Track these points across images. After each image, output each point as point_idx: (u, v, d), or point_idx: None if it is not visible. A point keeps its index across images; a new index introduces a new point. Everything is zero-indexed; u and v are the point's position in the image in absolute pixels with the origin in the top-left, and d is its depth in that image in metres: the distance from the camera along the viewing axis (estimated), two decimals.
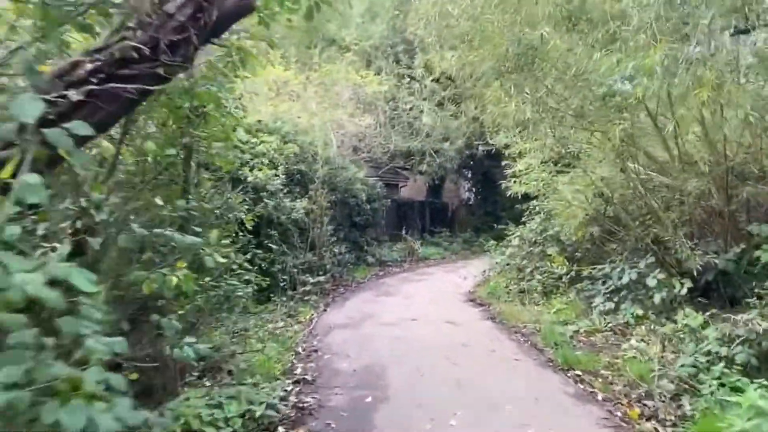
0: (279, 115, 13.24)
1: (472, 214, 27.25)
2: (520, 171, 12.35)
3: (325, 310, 10.22)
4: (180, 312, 4.86)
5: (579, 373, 6.34)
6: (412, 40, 19.28)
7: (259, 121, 12.02)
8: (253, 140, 11.22)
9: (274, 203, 10.93)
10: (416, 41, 18.87)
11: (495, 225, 25.60)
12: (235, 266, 6.64)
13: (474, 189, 26.58)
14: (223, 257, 6.08)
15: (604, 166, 9.21)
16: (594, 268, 9.64)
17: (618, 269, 8.92)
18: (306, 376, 6.16)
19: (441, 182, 26.01)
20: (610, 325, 8.16)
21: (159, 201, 4.63)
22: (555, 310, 9.39)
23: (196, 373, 5.60)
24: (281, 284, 10.43)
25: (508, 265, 11.29)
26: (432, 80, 19.09)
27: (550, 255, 10.45)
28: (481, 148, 20.55)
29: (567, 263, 9.78)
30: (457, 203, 30.94)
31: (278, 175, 11.06)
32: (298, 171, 12.56)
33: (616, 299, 8.71)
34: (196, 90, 5.40)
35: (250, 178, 10.40)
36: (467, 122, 20.24)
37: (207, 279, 5.11)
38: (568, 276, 10.10)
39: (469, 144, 20.75)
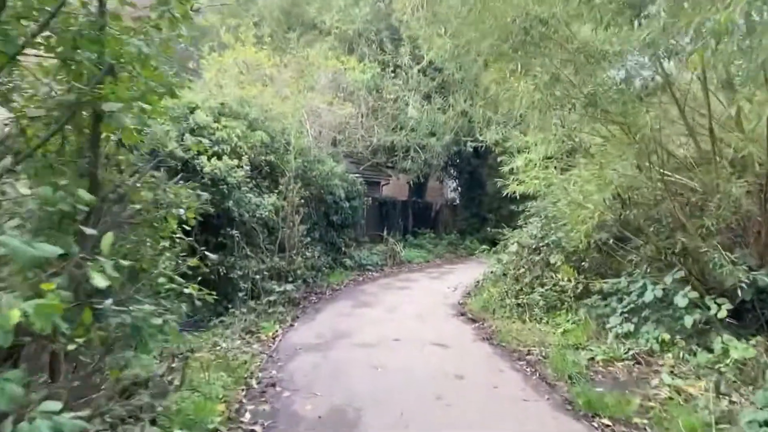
0: (247, 98, 11.70)
1: (457, 215, 25.91)
2: (518, 168, 10.98)
3: (292, 325, 8.71)
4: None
5: (608, 422, 4.95)
6: (398, 26, 17.92)
7: (222, 104, 10.49)
8: (214, 125, 9.70)
9: (235, 198, 9.41)
10: (402, 28, 17.52)
11: (481, 227, 24.41)
12: (176, 277, 5.19)
13: (460, 189, 25.22)
14: (140, 267, 4.59)
15: (621, 163, 7.85)
16: (606, 282, 8.31)
17: (638, 284, 7.58)
18: (254, 428, 4.67)
19: (424, 181, 24.61)
20: (631, 351, 6.80)
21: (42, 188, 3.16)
22: (562, 330, 8.02)
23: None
24: (241, 293, 8.90)
25: (504, 275, 9.89)
26: (419, 70, 17.70)
27: (553, 264, 9.08)
28: (469, 144, 19.20)
29: (576, 275, 8.40)
30: (440, 203, 29.59)
31: (241, 166, 9.54)
32: (266, 162, 11.04)
33: (635, 320, 7.37)
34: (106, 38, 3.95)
35: (207, 168, 8.87)
36: (455, 116, 18.89)
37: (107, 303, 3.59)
38: (575, 289, 8.74)
39: (456, 140, 19.35)
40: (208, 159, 8.97)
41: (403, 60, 17.64)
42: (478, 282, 13.40)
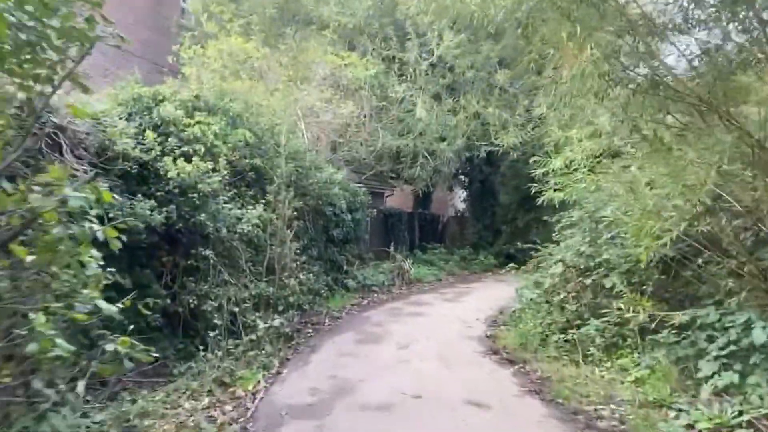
0: (228, 91, 9.86)
1: (467, 227, 24.00)
2: (555, 170, 9.13)
3: (279, 372, 6.78)
4: None
5: None
6: (403, 20, 16.15)
7: (197, 96, 8.65)
8: (184, 120, 7.86)
9: (210, 210, 7.54)
10: (409, 22, 15.76)
11: (494, 240, 22.49)
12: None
13: (470, 199, 23.30)
14: None
15: (711, 158, 5.98)
16: (683, 313, 6.39)
17: (739, 319, 5.68)
18: None
19: (430, 192, 22.68)
20: (745, 416, 4.89)
21: None
22: (632, 378, 6.11)
23: None
24: (214, 332, 6.99)
25: (548, 302, 7.94)
26: (428, 65, 15.89)
27: (610, 289, 7.16)
28: (483, 149, 17.36)
29: (647, 304, 6.45)
30: (448, 215, 27.72)
31: (218, 170, 7.68)
32: (251, 167, 9.17)
33: (739, 367, 5.46)
34: None
35: (172, 173, 7.01)
36: (467, 119, 17.04)
37: None
38: (639, 322, 6.81)
39: (469, 145, 17.50)
40: (174, 161, 7.11)
41: (410, 56, 15.84)
42: (503, 308, 11.52)
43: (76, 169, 6.50)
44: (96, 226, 3.58)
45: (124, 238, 3.83)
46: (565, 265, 7.71)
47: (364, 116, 14.49)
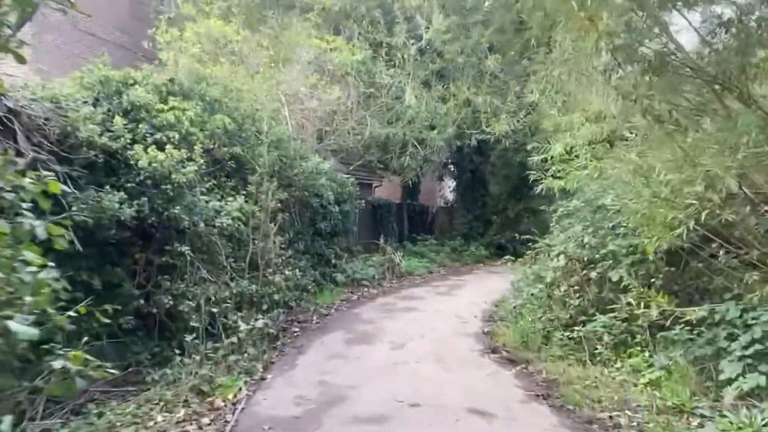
0: (206, 74, 9.23)
1: (457, 218, 23.50)
2: (555, 157, 8.64)
3: (263, 378, 6.23)
4: None
5: None
6: (391, 3, 15.57)
7: (171, 80, 8.03)
8: (157, 105, 7.25)
9: (185, 203, 6.95)
10: (396, 5, 15.19)
11: (485, 231, 22.01)
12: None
13: (460, 189, 22.78)
14: None
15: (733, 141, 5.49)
16: (699, 309, 5.92)
17: (765, 317, 5.22)
18: None
19: (418, 182, 22.09)
20: None
21: None
22: (646, 379, 5.64)
23: None
24: (191, 336, 6.42)
25: (549, 297, 7.44)
26: (417, 49, 15.32)
27: (618, 283, 6.68)
28: (474, 138, 16.87)
29: (662, 299, 5.96)
30: (437, 206, 27.24)
31: (194, 159, 7.08)
32: (231, 156, 8.56)
33: (765, 368, 5.01)
34: None
35: (144, 162, 6.41)
36: (458, 106, 16.51)
37: None
38: (648, 317, 6.33)
39: (460, 133, 16.98)
40: (145, 149, 6.51)
41: (398, 41, 15.25)
42: (498, 301, 11.06)
43: (36, 159, 5.90)
44: (36, 222, 3.00)
45: (71, 236, 3.24)
46: (567, 257, 7.21)
47: (351, 103, 13.88)
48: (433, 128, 16.17)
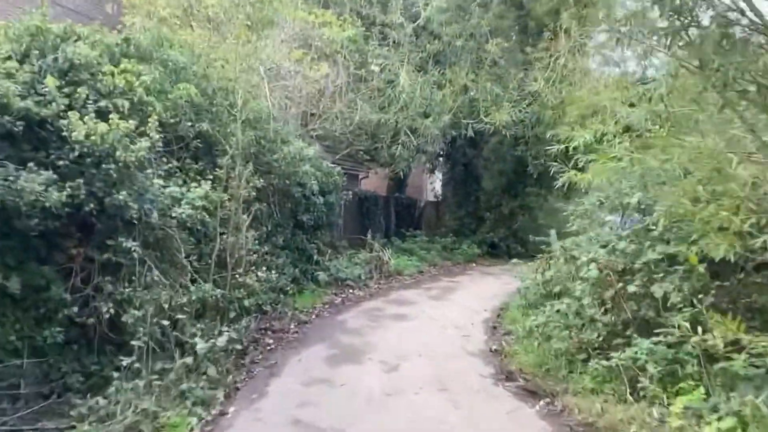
0: (170, 37, 7.85)
1: (447, 213, 22.27)
2: (581, 146, 7.40)
3: (223, 414, 4.92)
4: None
5: None
6: None
7: (126, 39, 6.65)
8: (104, 66, 5.89)
9: (135, 187, 5.61)
10: None
11: (477, 228, 20.79)
12: None
13: (452, 183, 21.50)
14: None
15: None
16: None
17: None
18: None
19: (405, 175, 20.74)
20: None
21: None
22: (714, 428, 4.44)
23: None
24: (129, 358, 5.08)
25: (578, 313, 6.19)
26: (413, 29, 14.02)
27: (662, 300, 5.46)
28: (471, 128, 15.64)
29: (730, 324, 4.76)
30: (425, 200, 26.00)
31: (148, 135, 5.74)
32: (197, 134, 7.22)
33: None
34: None
35: (80, 134, 5.06)
36: (454, 93, 15.25)
37: None
38: (703, 344, 5.13)
39: (455, 123, 15.73)
40: (82, 119, 5.16)
41: (393, 18, 13.95)
42: (497, 308, 9.89)
43: None
44: None
45: None
46: (600, 266, 5.98)
47: (340, 84, 12.54)
48: (427, 116, 14.87)
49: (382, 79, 14.23)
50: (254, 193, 7.67)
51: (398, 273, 13.67)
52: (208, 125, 7.26)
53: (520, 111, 14.75)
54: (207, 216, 6.64)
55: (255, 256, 8.08)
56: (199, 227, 6.61)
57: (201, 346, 5.42)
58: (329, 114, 12.64)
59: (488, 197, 21.07)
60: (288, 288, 9.65)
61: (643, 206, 7.66)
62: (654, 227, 6.14)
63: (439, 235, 20.11)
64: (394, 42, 14.23)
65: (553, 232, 20.93)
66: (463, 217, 20.80)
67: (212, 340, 5.65)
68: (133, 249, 5.52)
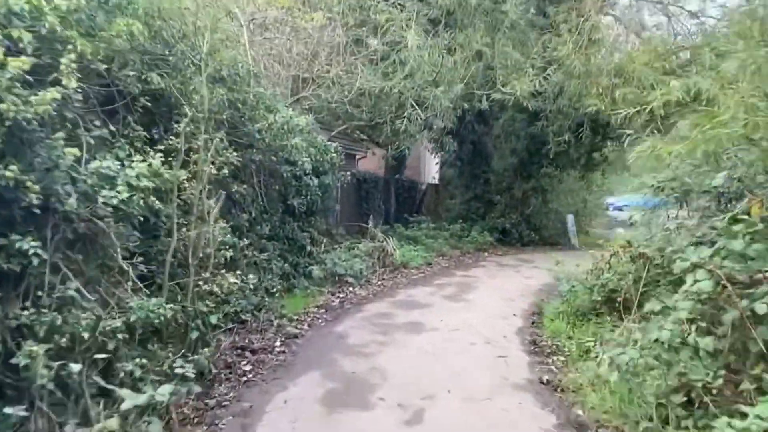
0: None
1: (454, 197, 20.42)
2: (660, 108, 5.61)
3: None
4: None
5: None
6: None
7: None
8: None
9: (39, 160, 3.75)
10: None
11: (486, 213, 18.94)
12: None
13: (458, 164, 19.56)
14: None
15: None
16: None
17: None
18: None
19: (404, 155, 18.63)
20: None
21: None
22: None
23: None
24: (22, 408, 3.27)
25: (683, 344, 4.40)
26: None
27: None
28: (485, 100, 13.83)
29: None
30: (426, 182, 24.19)
31: (60, 83, 3.88)
32: (144, 89, 5.31)
33: None
34: None
35: None
36: (466, 60, 13.33)
37: None
38: None
39: (468, 94, 13.84)
40: None
41: None
42: (528, 312, 8.16)
43: None
44: None
45: None
46: (716, 277, 4.16)
47: (337, 44, 10.62)
48: (437, 85, 12.96)
49: (385, 42, 12.29)
50: (226, 171, 5.80)
51: (404, 265, 11.87)
52: (160, 78, 5.34)
53: (543, 80, 12.91)
54: (158, 202, 4.78)
55: (230, 251, 6.25)
56: (145, 217, 4.76)
57: (129, 402, 3.59)
58: (324, 80, 10.72)
59: (499, 179, 19.26)
60: (274, 288, 7.85)
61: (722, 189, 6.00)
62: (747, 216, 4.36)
63: (443, 220, 18.33)
64: None
65: (570, 217, 19.36)
66: (470, 201, 18.95)
67: (150, 392, 3.81)
68: (33, 251, 3.68)
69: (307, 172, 9.32)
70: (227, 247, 6.21)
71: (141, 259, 4.77)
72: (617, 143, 18.76)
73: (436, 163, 23.65)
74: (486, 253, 15.62)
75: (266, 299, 7.60)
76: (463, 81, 13.33)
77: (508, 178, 19.13)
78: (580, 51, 13.15)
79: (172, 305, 4.61)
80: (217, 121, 6.24)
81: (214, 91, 5.95)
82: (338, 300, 8.84)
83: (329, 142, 10.52)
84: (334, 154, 10.21)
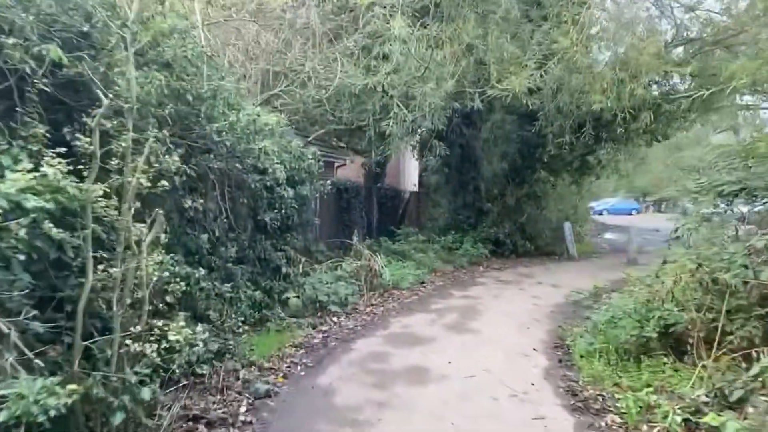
0: None
1: (441, 206, 18.99)
2: None
3: None
4: None
5: None
6: None
7: None
8: None
9: None
10: None
11: (477, 222, 17.50)
12: None
13: (446, 169, 18.06)
14: None
15: None
16: None
17: None
18: None
19: (384, 162, 16.93)
20: None
21: None
22: None
23: None
24: None
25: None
26: None
27: None
28: (478, 98, 12.51)
29: None
30: (410, 191, 22.70)
31: None
32: (57, 77, 3.76)
33: None
34: None
35: None
36: (456, 55, 11.93)
37: None
38: None
39: (459, 92, 12.49)
40: None
41: None
42: (550, 343, 6.78)
43: None
44: None
45: None
46: None
47: (313, 30, 9.15)
48: (425, 81, 11.54)
49: (367, 33, 10.84)
50: (166, 183, 4.27)
51: (395, 287, 10.39)
52: (61, 52, 3.79)
53: (542, 75, 11.62)
54: (54, 229, 3.25)
55: (183, 285, 4.74)
56: (40, 250, 3.23)
57: None
58: (299, 74, 9.23)
59: (489, 185, 17.93)
60: (240, 328, 6.31)
61: None
62: None
63: (430, 230, 16.90)
64: None
65: (567, 225, 18.08)
66: (460, 209, 17.50)
67: None
68: None
69: (281, 181, 7.82)
70: (178, 280, 4.72)
71: (30, 314, 3.23)
72: (613, 145, 17.62)
73: (416, 169, 22.28)
74: (481, 267, 14.22)
75: (230, 342, 6.06)
76: (453, 77, 11.96)
77: (499, 185, 17.84)
78: (581, 43, 11.94)
79: (74, 386, 3.06)
80: (158, 118, 4.72)
81: (149, 75, 4.42)
82: (321, 335, 7.33)
83: (306, 148, 9.03)
84: (312, 161, 8.74)
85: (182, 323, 4.12)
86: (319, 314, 8.25)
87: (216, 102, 6.20)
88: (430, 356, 6.39)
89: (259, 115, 6.76)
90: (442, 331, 7.63)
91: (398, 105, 11.38)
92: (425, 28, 11.39)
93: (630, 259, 15.18)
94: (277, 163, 7.55)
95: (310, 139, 12.03)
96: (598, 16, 12.80)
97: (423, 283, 11.38)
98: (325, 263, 10.16)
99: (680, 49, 14.39)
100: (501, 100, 12.59)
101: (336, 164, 17.39)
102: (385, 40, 10.51)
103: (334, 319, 8.16)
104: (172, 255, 5.17)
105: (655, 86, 14.26)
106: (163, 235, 4.37)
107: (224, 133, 6.28)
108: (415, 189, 22.73)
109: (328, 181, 10.03)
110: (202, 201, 6.31)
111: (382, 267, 10.32)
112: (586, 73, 12.33)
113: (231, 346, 6.05)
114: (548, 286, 11.38)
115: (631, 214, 48.43)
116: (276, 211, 8.13)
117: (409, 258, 12.81)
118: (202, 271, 5.82)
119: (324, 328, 7.69)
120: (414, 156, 19.84)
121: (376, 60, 10.77)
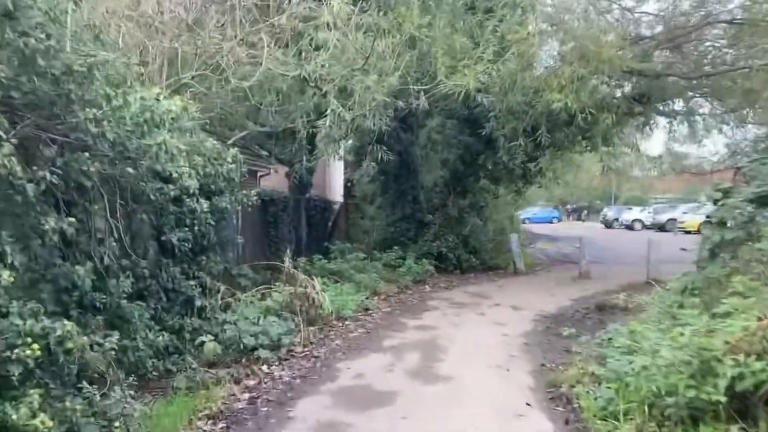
0: None
1: (376, 218, 17.35)
2: None
3: None
4: None
5: None
6: None
7: None
8: None
9: None
10: None
11: (417, 236, 16.00)
12: None
13: (382, 177, 16.41)
14: None
15: None
16: None
17: None
18: None
19: (310, 171, 15.02)
20: None
21: None
22: None
23: None
24: None
25: None
26: None
27: None
28: (423, 97, 10.98)
29: None
30: (340, 202, 20.89)
31: None
32: None
33: None
34: None
35: None
36: (399, 46, 10.38)
37: None
38: None
39: (403, 89, 10.93)
40: None
41: None
42: (554, 399, 5.27)
43: None
44: None
45: None
46: None
47: (229, 7, 7.36)
48: (365, 72, 9.91)
49: (297, 17, 9.11)
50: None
51: (337, 316, 8.67)
52: None
53: (497, 71, 10.32)
54: None
55: (27, 352, 2.91)
56: None
57: None
58: (213, 57, 7.38)
59: (429, 195, 16.54)
60: (127, 406, 4.39)
61: None
62: None
63: (378, 247, 15.25)
64: None
65: (514, 237, 16.95)
66: (399, 222, 15.94)
67: None
68: None
69: (192, 191, 5.92)
70: (29, 341, 2.98)
71: None
72: (553, 151, 16.66)
73: (341, 177, 20.67)
74: (428, 286, 12.74)
75: (115, 425, 4.16)
76: (396, 72, 10.41)
77: (440, 194, 16.48)
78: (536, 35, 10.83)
79: None
80: None
81: None
82: (248, 395, 5.50)
83: (226, 149, 7.18)
84: (233, 165, 6.90)
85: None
86: (244, 362, 6.39)
87: (92, 78, 4.33)
88: (400, 426, 4.72)
89: (158, 100, 4.91)
90: (406, 380, 5.99)
91: (335, 101, 9.67)
92: (365, 13, 9.79)
93: (582, 272, 14.20)
94: (186, 168, 5.67)
95: (230, 142, 10.12)
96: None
97: (368, 309, 9.70)
98: (251, 291, 8.28)
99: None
100: (441, 103, 11.26)
101: (259, 173, 15.41)
102: (318, 25, 8.86)
103: (264, 368, 6.33)
104: (25, 300, 3.45)
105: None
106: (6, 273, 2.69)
107: (105, 122, 4.41)
108: (341, 199, 20.94)
109: (253, 192, 8.15)
110: (75, 219, 4.43)
111: (319, 293, 8.56)
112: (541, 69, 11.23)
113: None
114: (508, 308, 10.04)
115: (552, 223, 48.78)
116: (187, 228, 6.35)
117: (348, 278, 11.11)
118: (68, 325, 3.90)
119: (251, 382, 5.86)
120: (368, 162, 18.13)
121: (310, 47, 9.09)
